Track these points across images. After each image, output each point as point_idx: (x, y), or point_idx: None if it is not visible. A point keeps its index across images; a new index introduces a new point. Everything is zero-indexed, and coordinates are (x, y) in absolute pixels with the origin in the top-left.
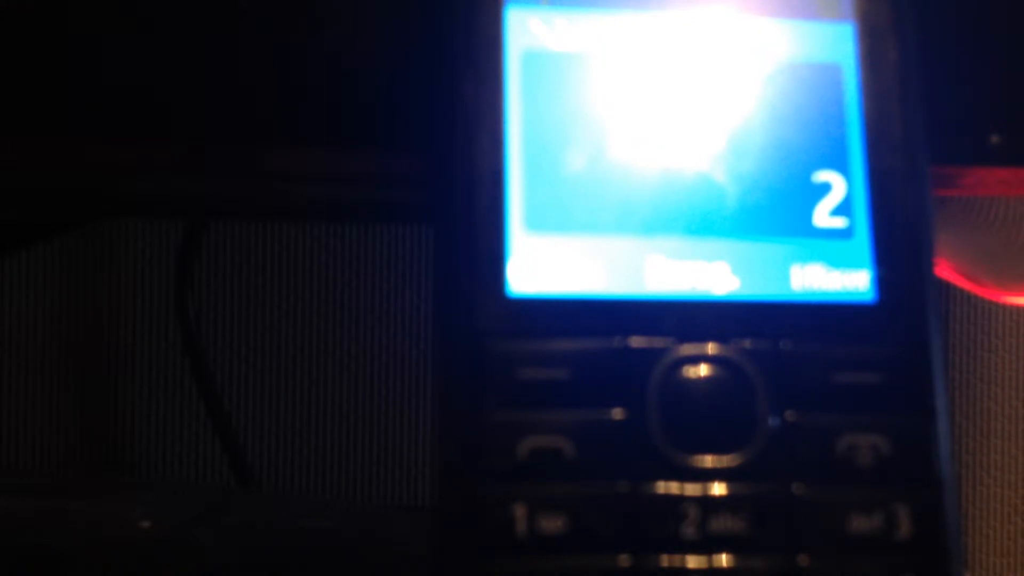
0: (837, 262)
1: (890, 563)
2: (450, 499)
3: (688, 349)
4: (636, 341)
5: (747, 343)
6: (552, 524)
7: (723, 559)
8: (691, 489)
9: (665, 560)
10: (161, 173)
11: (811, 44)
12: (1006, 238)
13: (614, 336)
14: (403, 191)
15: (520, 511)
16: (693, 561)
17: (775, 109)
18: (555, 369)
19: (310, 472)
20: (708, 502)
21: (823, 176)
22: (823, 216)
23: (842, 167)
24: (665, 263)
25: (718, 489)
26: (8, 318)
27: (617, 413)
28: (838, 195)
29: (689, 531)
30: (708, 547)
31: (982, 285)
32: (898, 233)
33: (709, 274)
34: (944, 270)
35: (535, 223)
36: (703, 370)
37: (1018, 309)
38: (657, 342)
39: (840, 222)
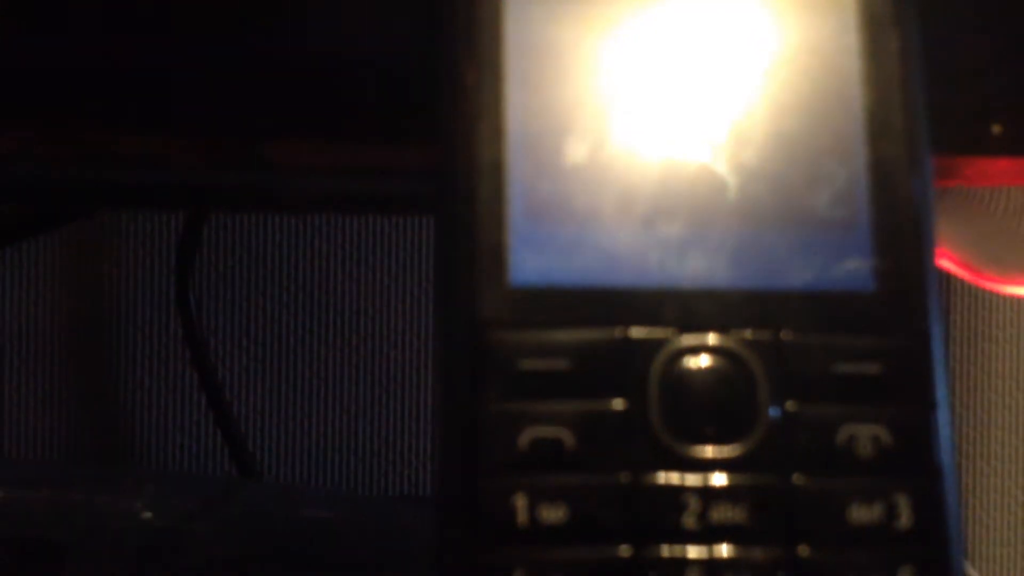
0: (838, 252)
1: (890, 553)
2: (451, 490)
3: (689, 339)
4: (637, 331)
5: (748, 333)
6: (553, 514)
7: (723, 549)
8: (692, 479)
9: (666, 550)
10: (162, 164)
11: (814, 34)
12: (1008, 228)
13: (615, 326)
14: (404, 182)
15: (521, 501)
16: (694, 551)
17: (777, 99)
18: (556, 359)
19: (311, 463)
20: (709, 492)
21: (824, 166)
22: (824, 206)
23: (843, 157)
24: (666, 253)
25: (719, 479)
26: (9, 310)
27: (618, 403)
28: (839, 185)
29: (690, 521)
30: (709, 537)
31: (983, 275)
32: (899, 223)
33: (710, 264)
34: (945, 260)
35: (536, 212)
36: (704, 360)
37: (1019, 300)
38: (658, 332)
39: (841, 212)
